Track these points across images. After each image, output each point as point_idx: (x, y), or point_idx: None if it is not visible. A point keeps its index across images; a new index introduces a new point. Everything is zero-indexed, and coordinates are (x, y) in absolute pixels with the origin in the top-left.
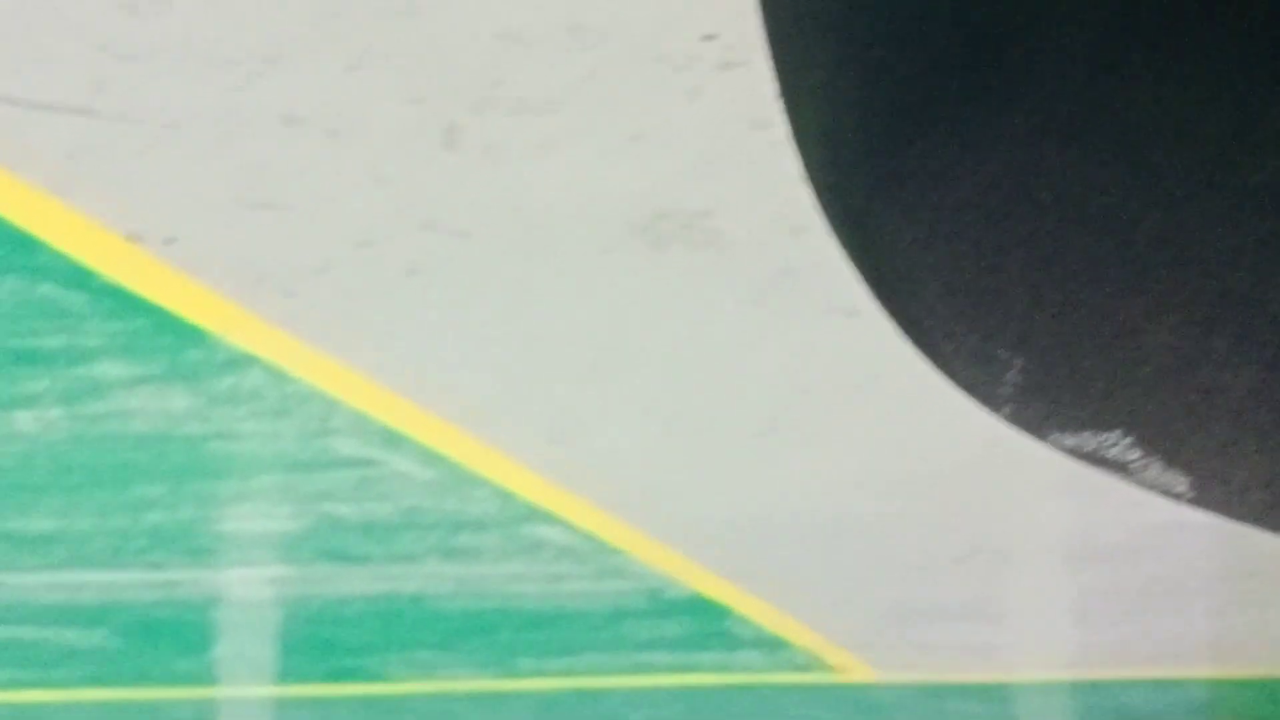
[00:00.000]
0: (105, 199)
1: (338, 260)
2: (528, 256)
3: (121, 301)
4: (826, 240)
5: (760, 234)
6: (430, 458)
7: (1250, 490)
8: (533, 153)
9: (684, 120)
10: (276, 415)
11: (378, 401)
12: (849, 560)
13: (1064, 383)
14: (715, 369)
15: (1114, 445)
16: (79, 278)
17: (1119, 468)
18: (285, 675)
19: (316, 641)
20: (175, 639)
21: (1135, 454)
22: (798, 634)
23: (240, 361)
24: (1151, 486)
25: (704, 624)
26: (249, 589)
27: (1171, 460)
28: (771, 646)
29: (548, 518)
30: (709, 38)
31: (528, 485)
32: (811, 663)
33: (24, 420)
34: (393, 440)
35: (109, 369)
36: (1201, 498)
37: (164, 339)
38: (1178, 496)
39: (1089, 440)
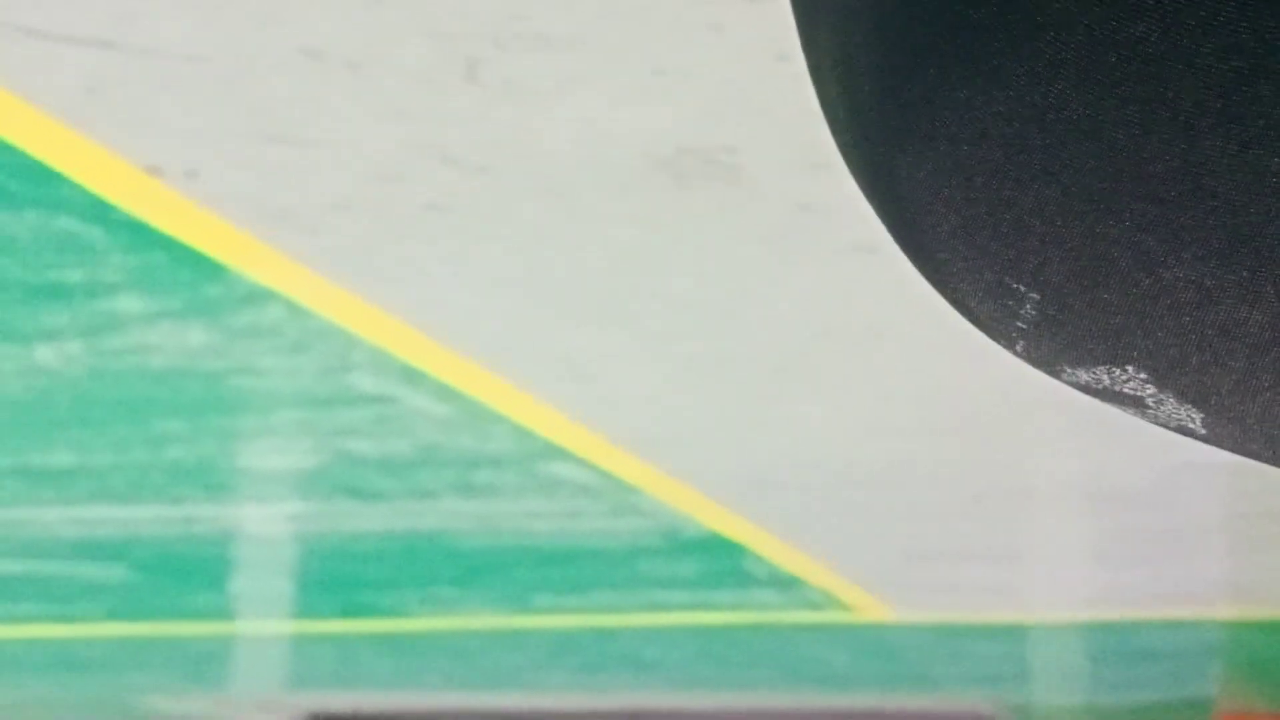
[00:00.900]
0: (126, 132)
1: (358, 195)
2: (548, 192)
3: (141, 235)
4: (845, 177)
5: (781, 170)
6: (448, 394)
7: (1265, 424)
8: (554, 88)
9: (706, 54)
10: (295, 351)
11: (397, 337)
12: (866, 500)
13: (1079, 317)
14: (733, 308)
15: (1128, 380)
16: (98, 211)
17: (1133, 403)
18: (303, 611)
19: (334, 577)
20: (194, 574)
21: (1149, 389)
22: (814, 573)
23: (259, 296)
24: (1165, 423)
25: (720, 562)
26: (267, 525)
27: (1185, 395)
28: (787, 585)
29: (565, 455)
30: None
31: (545, 422)
32: (827, 602)
33: (43, 355)
34: (411, 376)
35: (128, 303)
36: (1215, 434)
37: (183, 273)
38: (1190, 432)
39: (1103, 376)
